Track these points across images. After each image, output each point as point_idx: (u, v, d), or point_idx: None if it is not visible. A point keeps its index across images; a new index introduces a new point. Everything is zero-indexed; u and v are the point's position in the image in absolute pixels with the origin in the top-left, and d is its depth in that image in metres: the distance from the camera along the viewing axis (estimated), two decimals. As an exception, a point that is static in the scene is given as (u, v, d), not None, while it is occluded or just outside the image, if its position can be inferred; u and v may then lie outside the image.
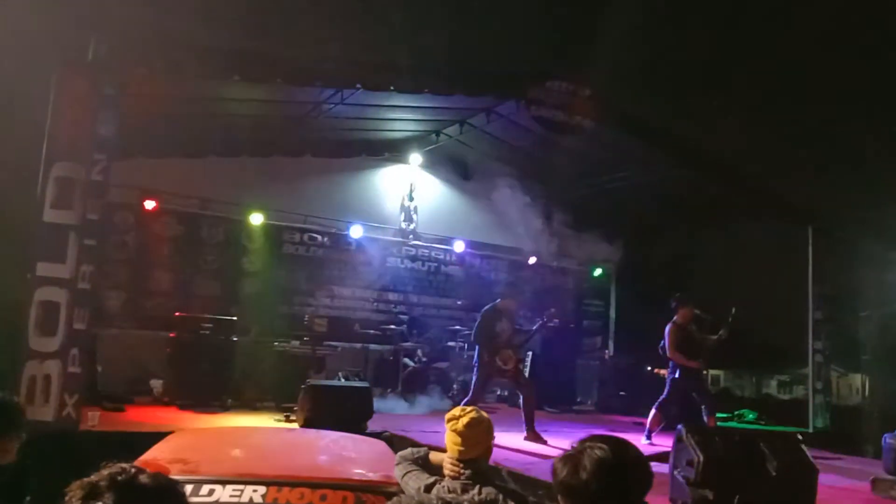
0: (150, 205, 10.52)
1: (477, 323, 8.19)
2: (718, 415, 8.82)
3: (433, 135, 12.25)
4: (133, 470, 1.48)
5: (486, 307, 8.21)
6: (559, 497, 1.89)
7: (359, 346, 11.61)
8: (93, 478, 1.45)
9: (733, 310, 8.25)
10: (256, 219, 11.42)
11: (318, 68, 8.12)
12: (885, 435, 6.38)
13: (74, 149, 6.65)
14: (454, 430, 2.87)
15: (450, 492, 2.76)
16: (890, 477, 5.98)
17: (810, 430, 10.68)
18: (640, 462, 1.91)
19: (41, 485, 3.15)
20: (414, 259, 13.27)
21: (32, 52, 6.47)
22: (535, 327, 8.65)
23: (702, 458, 4.53)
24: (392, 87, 8.75)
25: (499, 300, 8.19)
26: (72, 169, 6.59)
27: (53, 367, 6.34)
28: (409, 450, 3.12)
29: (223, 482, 2.72)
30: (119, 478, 1.44)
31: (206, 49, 7.42)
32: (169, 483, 1.54)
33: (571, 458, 1.86)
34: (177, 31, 7.12)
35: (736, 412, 11.59)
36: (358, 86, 8.66)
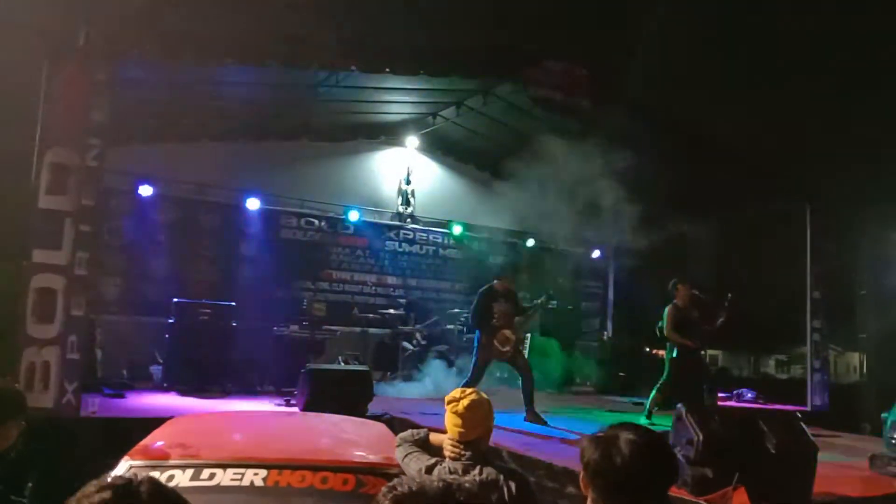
0: (146, 190, 10.48)
1: (473, 305, 8.17)
2: (717, 394, 8.85)
3: (430, 117, 12.19)
4: (126, 490, 1.29)
5: (482, 288, 8.18)
6: (588, 479, 1.89)
7: (358, 329, 11.62)
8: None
9: (729, 295, 8.27)
10: (253, 204, 11.39)
11: (312, 50, 8.05)
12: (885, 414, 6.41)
13: (68, 135, 6.60)
14: (454, 413, 2.87)
15: (451, 473, 2.76)
16: (888, 453, 6.01)
17: (808, 408, 10.73)
18: (671, 451, 1.93)
19: (42, 471, 3.15)
20: (412, 242, 13.26)
21: (24, 38, 6.41)
22: (529, 308, 8.64)
23: (701, 437, 4.54)
24: (387, 69, 8.69)
25: (495, 281, 8.16)
26: (66, 155, 6.55)
27: (52, 353, 6.33)
28: (409, 431, 3.12)
29: (224, 466, 2.71)
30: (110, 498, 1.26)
31: (200, 33, 7.35)
32: (166, 496, 1.35)
33: (604, 442, 1.86)
34: (169, 15, 7.06)
35: (735, 391, 11.64)
36: (353, 68, 8.60)
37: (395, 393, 9.98)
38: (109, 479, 1.34)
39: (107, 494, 1.28)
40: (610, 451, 1.83)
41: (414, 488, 1.49)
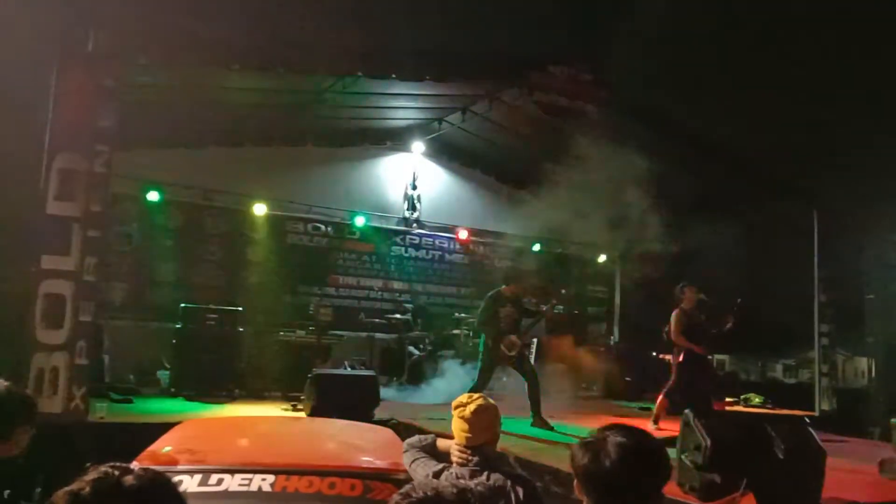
0: (153, 196, 10.52)
1: (480, 309, 8.18)
2: (724, 399, 8.82)
3: (435, 122, 12.20)
4: (117, 473, 1.42)
5: (490, 293, 8.19)
6: (580, 484, 1.89)
7: (364, 335, 11.63)
8: (74, 486, 1.39)
9: (738, 300, 8.25)
10: (259, 209, 11.41)
11: (319, 56, 8.07)
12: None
13: (76, 140, 6.64)
14: (461, 418, 2.87)
15: (458, 478, 2.75)
16: (897, 459, 5.98)
17: (816, 413, 10.68)
18: (661, 451, 1.92)
19: (50, 477, 3.16)
20: (418, 247, 13.27)
21: (32, 44, 6.44)
22: (538, 314, 8.63)
23: (709, 443, 4.52)
24: (393, 75, 8.71)
25: (503, 286, 8.17)
26: (74, 161, 6.59)
27: (61, 359, 6.36)
28: (416, 437, 3.12)
29: (231, 471, 2.72)
30: (102, 484, 1.39)
31: (206, 38, 7.38)
32: (158, 480, 1.48)
33: (593, 445, 1.86)
34: (176, 21, 7.09)
35: (742, 396, 11.60)
36: (359, 73, 8.62)
37: (402, 398, 9.98)
38: (106, 464, 1.45)
39: (105, 470, 1.42)
40: (599, 455, 1.83)
41: (430, 493, 1.49)
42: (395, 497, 1.51)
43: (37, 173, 6.47)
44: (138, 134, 9.32)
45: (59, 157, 6.54)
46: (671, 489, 4.69)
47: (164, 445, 3.12)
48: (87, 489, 1.37)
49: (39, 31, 6.42)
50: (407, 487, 1.53)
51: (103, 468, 1.43)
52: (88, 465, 1.46)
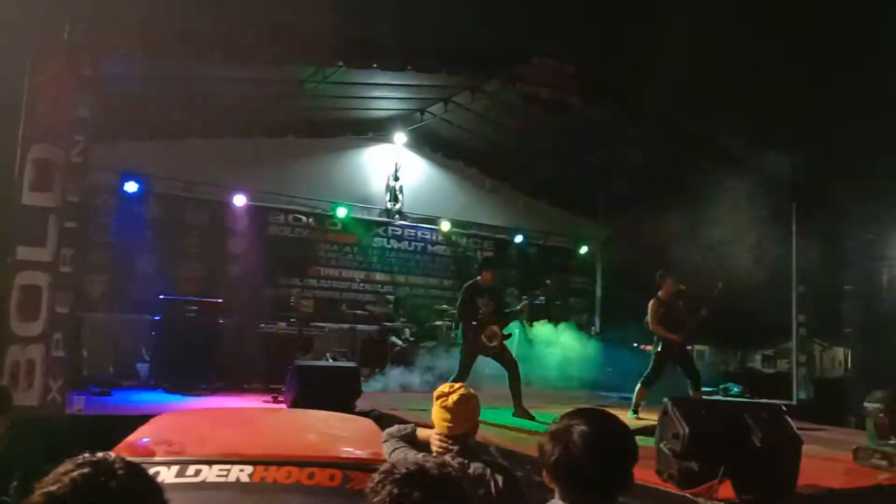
0: (131, 187, 10.40)
1: (459, 300, 8.18)
2: (703, 388, 8.90)
3: (418, 113, 12.16)
4: (98, 470, 1.36)
5: (467, 284, 8.19)
6: (547, 475, 1.89)
7: (346, 326, 11.60)
8: (53, 487, 1.32)
9: (719, 284, 8.31)
10: (240, 200, 11.33)
11: (299, 46, 8.01)
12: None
13: (52, 130, 6.54)
14: (443, 407, 2.89)
15: (438, 467, 2.76)
16: (871, 446, 6.07)
17: (794, 402, 10.82)
18: (627, 433, 1.92)
19: (26, 470, 3.12)
20: (400, 239, 13.25)
21: (7, 32, 6.33)
22: (519, 305, 8.64)
23: (687, 431, 4.56)
24: (375, 65, 8.67)
25: (478, 277, 8.16)
26: (50, 151, 6.49)
27: (37, 351, 6.28)
28: (396, 427, 3.12)
29: (209, 462, 2.70)
30: (83, 482, 1.33)
31: (186, 28, 7.30)
32: (139, 474, 1.42)
33: (559, 436, 1.86)
34: (155, 11, 7.00)
35: (721, 386, 11.72)
36: (340, 63, 8.56)
37: (383, 389, 9.98)
38: (84, 457, 1.39)
39: (85, 470, 1.36)
40: (565, 446, 1.83)
41: (413, 469, 1.48)
42: (377, 476, 1.49)
43: (12, 163, 6.38)
44: (117, 124, 9.21)
45: (35, 147, 6.45)
46: (650, 477, 4.73)
47: (141, 437, 3.09)
48: (67, 488, 1.32)
49: (14, 20, 6.31)
50: (387, 465, 1.52)
51: (83, 464, 1.37)
52: (63, 458, 1.42)
